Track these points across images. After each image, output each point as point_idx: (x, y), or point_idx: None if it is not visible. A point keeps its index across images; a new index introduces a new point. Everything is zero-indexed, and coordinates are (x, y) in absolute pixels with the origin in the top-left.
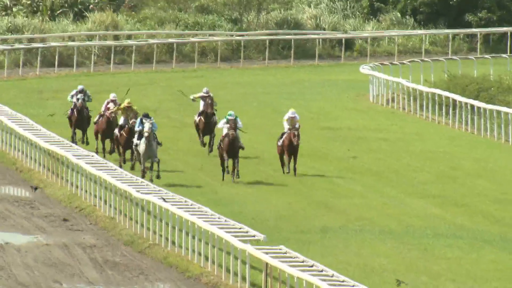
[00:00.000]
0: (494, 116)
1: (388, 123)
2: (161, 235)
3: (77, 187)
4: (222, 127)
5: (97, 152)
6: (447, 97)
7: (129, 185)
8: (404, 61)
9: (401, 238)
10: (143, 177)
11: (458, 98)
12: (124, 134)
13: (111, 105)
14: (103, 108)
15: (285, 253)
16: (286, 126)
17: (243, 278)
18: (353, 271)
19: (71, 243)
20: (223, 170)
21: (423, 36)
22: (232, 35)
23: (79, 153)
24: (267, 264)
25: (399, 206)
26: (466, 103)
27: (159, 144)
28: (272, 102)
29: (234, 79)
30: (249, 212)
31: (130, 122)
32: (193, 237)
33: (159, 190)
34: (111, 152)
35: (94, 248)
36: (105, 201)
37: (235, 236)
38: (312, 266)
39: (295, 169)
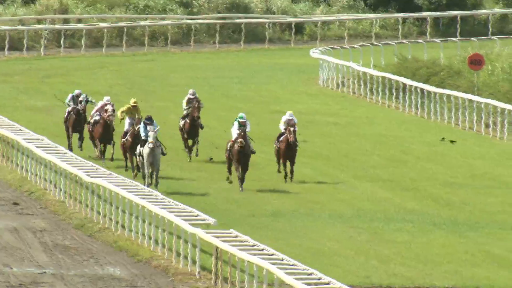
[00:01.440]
0: (444, 100)
1: (339, 107)
2: (111, 219)
3: (27, 171)
4: (235, 133)
5: (99, 158)
6: (397, 81)
7: (79, 169)
8: (354, 45)
9: (351, 222)
10: (148, 184)
11: (408, 82)
12: (129, 139)
13: (109, 107)
14: (93, 112)
15: (236, 237)
16: (283, 128)
17: (193, 262)
18: (304, 254)
19: (21, 227)
20: (229, 172)
21: (373, 20)
22: (183, 19)
23: (29, 137)
24: (217, 248)
25: (350, 190)
26: (416, 87)
27: (163, 153)
28: (223, 86)
29: (185, 63)
30: (199, 196)
31: (136, 128)
32: (143, 221)
33: (109, 174)
34: (112, 159)
35: (44, 232)
36: (55, 185)
37: (186, 220)
38: (262, 250)
39: (292, 173)
